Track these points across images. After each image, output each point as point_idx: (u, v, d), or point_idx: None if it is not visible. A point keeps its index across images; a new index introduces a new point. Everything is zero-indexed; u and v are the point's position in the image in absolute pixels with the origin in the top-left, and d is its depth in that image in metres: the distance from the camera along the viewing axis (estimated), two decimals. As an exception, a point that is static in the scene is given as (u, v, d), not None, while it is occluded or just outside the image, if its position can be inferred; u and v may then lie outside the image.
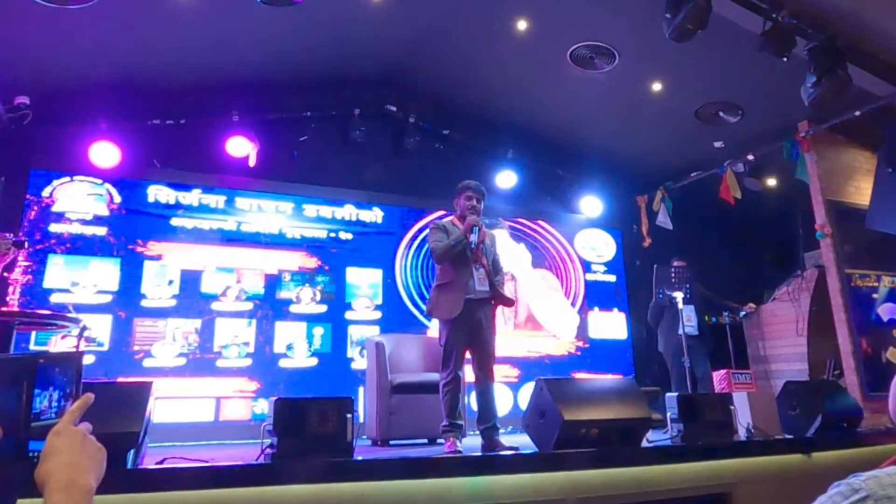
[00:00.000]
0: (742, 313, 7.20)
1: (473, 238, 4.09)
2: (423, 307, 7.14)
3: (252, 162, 6.41)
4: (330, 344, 6.58)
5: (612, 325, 8.03)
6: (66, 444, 0.90)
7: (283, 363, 6.34)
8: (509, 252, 7.82)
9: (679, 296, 5.88)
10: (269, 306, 6.44)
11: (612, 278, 8.24)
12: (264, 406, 5.97)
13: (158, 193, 6.34)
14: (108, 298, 5.89)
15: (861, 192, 6.66)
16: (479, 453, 3.77)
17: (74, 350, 4.33)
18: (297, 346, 6.43)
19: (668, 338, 6.40)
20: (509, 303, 4.38)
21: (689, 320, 6.15)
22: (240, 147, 6.39)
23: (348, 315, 6.77)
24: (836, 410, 4.37)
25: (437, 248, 4.10)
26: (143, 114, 6.23)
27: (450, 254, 4.07)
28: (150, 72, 5.82)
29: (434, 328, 7.02)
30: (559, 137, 7.64)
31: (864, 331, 6.24)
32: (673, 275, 5.99)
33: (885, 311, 6.51)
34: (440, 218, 7.47)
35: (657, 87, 6.38)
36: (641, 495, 3.33)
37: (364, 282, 6.95)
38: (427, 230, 4.48)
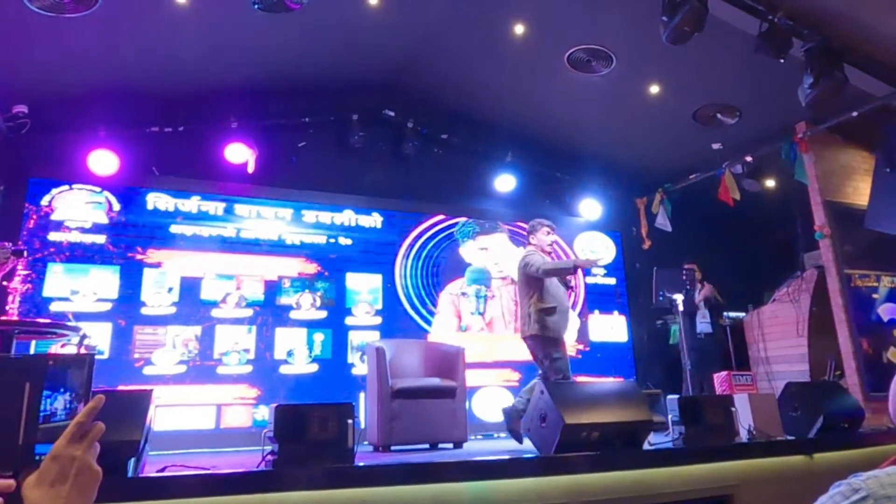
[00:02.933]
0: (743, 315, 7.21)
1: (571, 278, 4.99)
2: (423, 311, 7.15)
3: (251, 168, 6.41)
4: (330, 350, 6.58)
5: (612, 328, 8.03)
6: (58, 473, 0.87)
7: (283, 369, 6.33)
8: (509, 256, 7.83)
9: (679, 297, 5.88)
10: (270, 313, 6.43)
11: (612, 281, 8.24)
12: (265, 413, 5.96)
13: (157, 201, 6.35)
14: (107, 306, 5.89)
15: (859, 193, 6.67)
16: (481, 458, 3.76)
17: (86, 352, 4.32)
18: (297, 353, 6.42)
19: (687, 337, 6.42)
20: None
21: (703, 317, 6.19)
22: (238, 154, 6.40)
23: (348, 320, 6.76)
24: (838, 411, 4.36)
25: (546, 266, 4.75)
26: (141, 121, 6.23)
27: (553, 274, 4.80)
28: (147, 79, 5.83)
29: (437, 334, 7.05)
30: (558, 141, 7.66)
31: (864, 331, 6.24)
32: (684, 276, 6.01)
33: (885, 311, 6.50)
34: (440, 222, 7.59)
35: (655, 89, 6.39)
36: (643, 498, 3.32)
37: (364, 287, 6.95)
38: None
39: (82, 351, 4.28)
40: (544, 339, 4.71)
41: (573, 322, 7.82)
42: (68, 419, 1.11)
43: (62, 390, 2.26)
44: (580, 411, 3.51)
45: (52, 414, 2.20)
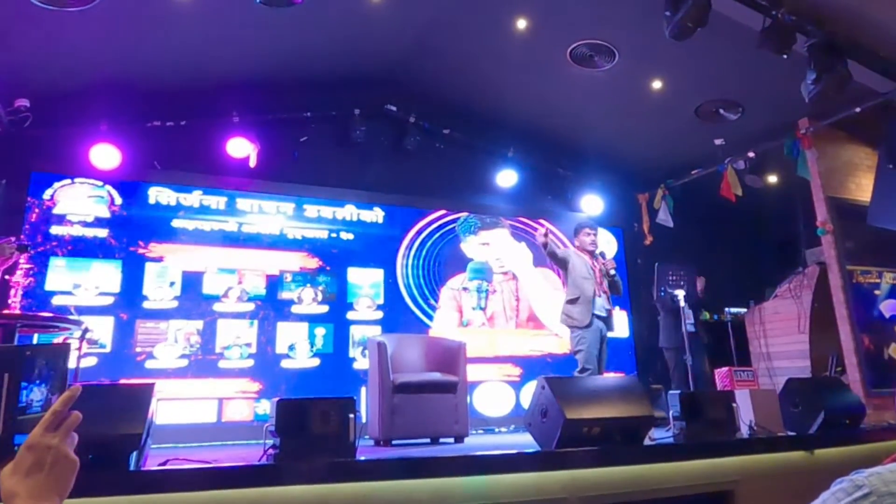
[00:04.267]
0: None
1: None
2: (424, 306, 7.16)
3: (252, 163, 6.41)
4: (332, 344, 6.58)
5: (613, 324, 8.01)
6: (34, 463, 0.86)
7: (285, 364, 6.34)
8: (510, 251, 7.83)
9: (681, 293, 5.89)
10: (271, 307, 6.44)
11: (613, 276, 8.22)
12: (266, 407, 5.97)
13: (159, 195, 6.35)
14: (109, 300, 5.89)
15: (862, 189, 6.66)
16: (482, 453, 3.77)
17: (62, 342, 4.33)
18: (298, 347, 6.43)
19: (670, 334, 6.44)
20: None
21: (687, 318, 6.17)
22: (240, 148, 6.40)
23: (350, 315, 6.77)
24: (839, 407, 4.37)
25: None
26: (143, 115, 6.23)
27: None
28: (149, 73, 5.82)
29: (439, 329, 7.07)
30: (560, 136, 7.64)
31: (865, 327, 6.23)
32: (672, 276, 6.01)
33: (886, 307, 6.50)
34: (441, 217, 7.59)
35: (657, 84, 6.37)
36: (644, 493, 3.33)
37: (365, 282, 6.95)
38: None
39: (84, 345, 4.28)
40: (570, 329, 5.23)
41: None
42: (43, 411, 1.10)
43: (38, 382, 2.26)
44: (581, 406, 3.51)
45: (27, 405, 2.21)
